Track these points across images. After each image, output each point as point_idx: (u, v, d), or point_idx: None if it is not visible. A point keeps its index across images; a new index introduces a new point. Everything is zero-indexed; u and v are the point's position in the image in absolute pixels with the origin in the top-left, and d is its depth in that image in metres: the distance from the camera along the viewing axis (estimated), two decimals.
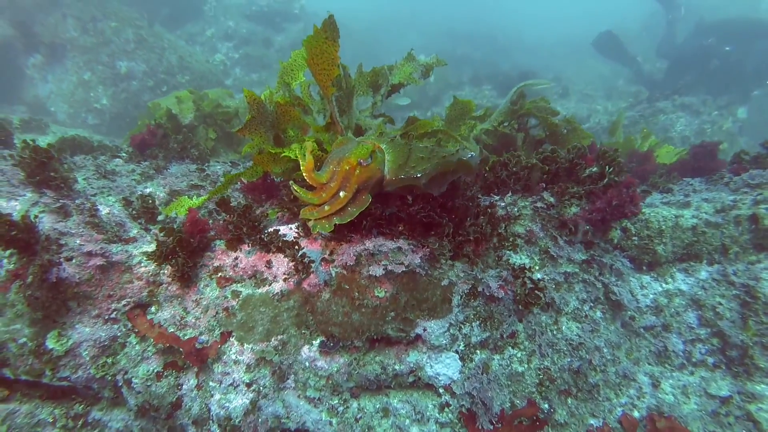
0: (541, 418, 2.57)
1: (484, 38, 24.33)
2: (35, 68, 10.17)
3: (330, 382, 2.57)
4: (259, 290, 2.70)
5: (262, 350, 2.57)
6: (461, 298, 2.53)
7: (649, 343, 3.08)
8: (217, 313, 2.68)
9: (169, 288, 2.78)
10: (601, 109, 12.02)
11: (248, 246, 2.80)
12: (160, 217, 3.44)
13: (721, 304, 3.11)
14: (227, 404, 2.53)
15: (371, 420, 2.54)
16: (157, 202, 3.54)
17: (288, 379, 2.59)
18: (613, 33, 12.46)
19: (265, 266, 2.72)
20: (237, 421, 2.50)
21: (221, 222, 2.92)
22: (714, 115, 9.50)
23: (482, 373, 2.56)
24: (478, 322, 2.57)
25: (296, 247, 2.65)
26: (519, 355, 2.67)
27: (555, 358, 2.71)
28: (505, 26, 27.64)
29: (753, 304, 3.03)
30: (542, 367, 2.68)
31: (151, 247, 2.92)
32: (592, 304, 2.90)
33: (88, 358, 2.64)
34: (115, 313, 2.70)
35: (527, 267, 2.73)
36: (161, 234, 2.77)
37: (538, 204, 2.96)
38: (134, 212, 3.16)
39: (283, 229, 2.83)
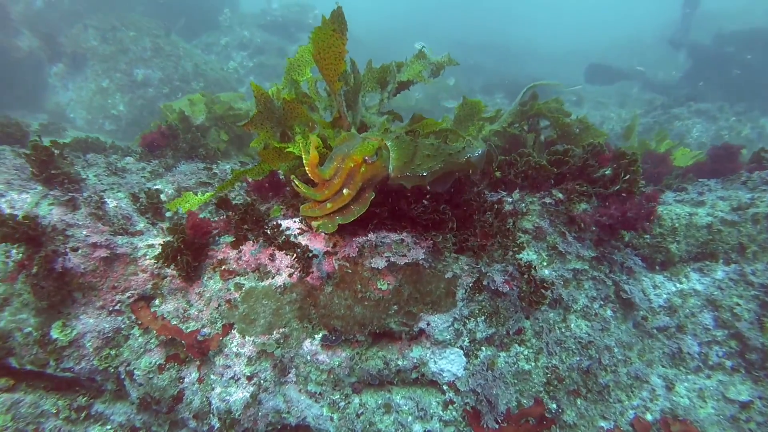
0: (549, 418, 2.49)
1: (497, 48, 24.40)
2: (57, 77, 10.48)
3: (331, 376, 2.52)
4: (262, 283, 2.69)
5: (263, 343, 2.54)
6: (466, 291, 2.47)
7: (663, 345, 2.97)
8: (219, 305, 2.67)
9: (174, 281, 2.79)
10: (615, 116, 11.87)
11: (252, 240, 2.80)
12: (168, 213, 3.47)
13: (739, 304, 2.99)
14: (228, 397, 2.51)
15: (373, 416, 2.49)
16: (165, 199, 3.57)
17: (289, 373, 2.56)
18: (596, 63, 12.57)
19: (269, 259, 2.71)
20: (237, 414, 2.47)
21: (225, 218, 2.92)
22: (732, 121, 9.30)
23: (487, 370, 2.50)
24: (483, 318, 2.51)
25: (299, 239, 2.64)
26: (526, 352, 2.59)
27: (563, 357, 2.63)
28: (518, 36, 27.69)
29: None
30: (550, 365, 2.60)
31: (157, 240, 2.94)
32: (602, 303, 2.82)
33: (91, 350, 2.64)
34: (119, 304, 2.71)
35: (534, 264, 2.67)
36: (168, 232, 2.79)
37: (547, 200, 2.90)
38: (142, 207, 3.19)
39: (287, 223, 2.82)
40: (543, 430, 2.44)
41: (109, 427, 2.85)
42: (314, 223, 2.37)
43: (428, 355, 2.51)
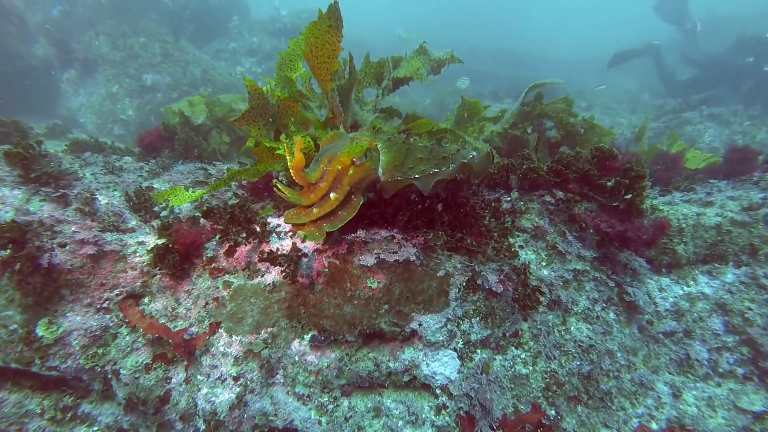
0: (546, 425, 2.37)
1: (508, 54, 24.32)
2: (69, 82, 10.65)
3: (320, 378, 2.44)
4: (251, 281, 2.62)
5: (250, 342, 2.47)
6: (459, 291, 2.38)
7: (669, 350, 2.84)
8: (207, 303, 2.61)
9: (163, 279, 2.74)
10: (625, 122, 11.68)
11: (242, 240, 2.74)
12: (164, 213, 3.43)
13: (750, 309, 2.85)
14: (213, 398, 2.43)
15: (362, 420, 2.39)
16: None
17: (277, 374, 2.48)
18: (619, 52, 12.50)
19: (258, 257, 2.65)
20: (222, 416, 2.39)
21: (212, 224, 2.87)
22: (746, 125, 9.08)
23: (482, 374, 2.39)
24: (478, 319, 2.41)
25: (288, 239, 2.57)
26: (523, 356, 2.48)
27: (563, 361, 2.51)
28: (530, 42, 27.62)
29: None
30: (549, 370, 2.49)
31: (149, 238, 2.90)
32: (604, 305, 2.70)
33: (77, 348, 2.59)
34: (107, 302, 2.66)
35: (531, 264, 2.57)
36: (158, 231, 2.74)
37: (547, 198, 2.80)
38: (135, 204, 3.15)
39: (277, 221, 2.76)
40: None
41: (96, 428, 2.79)
42: (300, 232, 2.21)
43: (420, 357, 2.41)
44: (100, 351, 2.63)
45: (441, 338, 2.38)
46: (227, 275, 2.68)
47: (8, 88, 9.47)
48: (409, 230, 2.43)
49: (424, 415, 2.40)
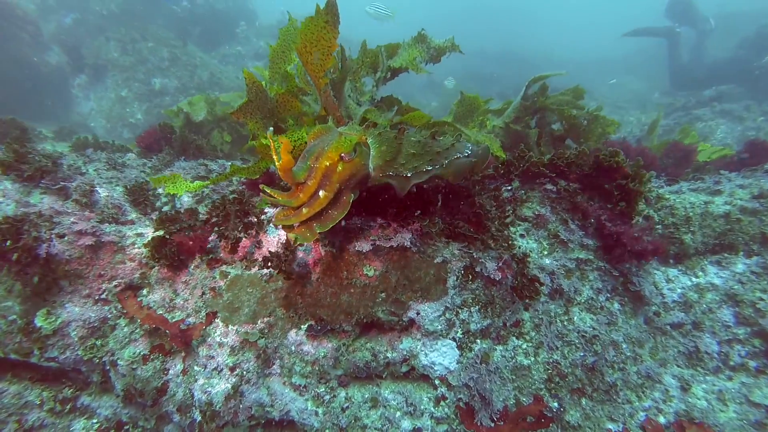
0: (549, 417, 2.30)
1: (514, 56, 24.21)
2: (80, 87, 10.83)
3: (316, 368, 2.40)
4: (249, 271, 2.60)
5: (246, 332, 2.44)
6: (457, 278, 2.33)
7: (678, 343, 2.75)
8: (204, 293, 2.59)
9: (161, 270, 2.73)
10: (634, 120, 11.53)
11: (240, 231, 2.72)
12: (166, 208, 3.44)
13: (762, 299, 2.75)
14: (210, 389, 2.41)
15: (359, 411, 2.35)
16: (161, 192, 3.55)
17: (273, 364, 2.45)
18: (639, 29, 12.24)
19: (256, 247, 2.63)
20: (218, 406, 2.37)
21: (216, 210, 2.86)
22: (760, 120, 8.90)
23: (482, 364, 2.33)
24: (477, 308, 2.36)
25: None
26: (525, 346, 2.42)
27: (566, 352, 2.44)
28: (538, 44, 27.46)
29: None
30: (551, 361, 2.42)
31: (148, 230, 2.90)
32: (608, 295, 2.63)
33: (76, 339, 2.59)
34: (105, 293, 2.66)
35: (532, 253, 2.51)
36: (156, 224, 2.73)
37: (548, 186, 2.75)
38: (135, 198, 3.16)
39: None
40: (541, 429, 2.25)
41: (95, 420, 2.78)
42: (291, 235, 2.09)
43: (419, 346, 2.36)
44: (98, 342, 2.62)
45: (439, 327, 2.33)
46: (224, 266, 2.66)
47: (23, 95, 9.66)
48: (403, 219, 2.39)
49: (422, 407, 2.35)
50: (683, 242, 2.87)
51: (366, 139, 2.17)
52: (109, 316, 2.65)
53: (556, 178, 2.77)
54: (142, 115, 9.95)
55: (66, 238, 2.61)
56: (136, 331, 2.63)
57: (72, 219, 2.68)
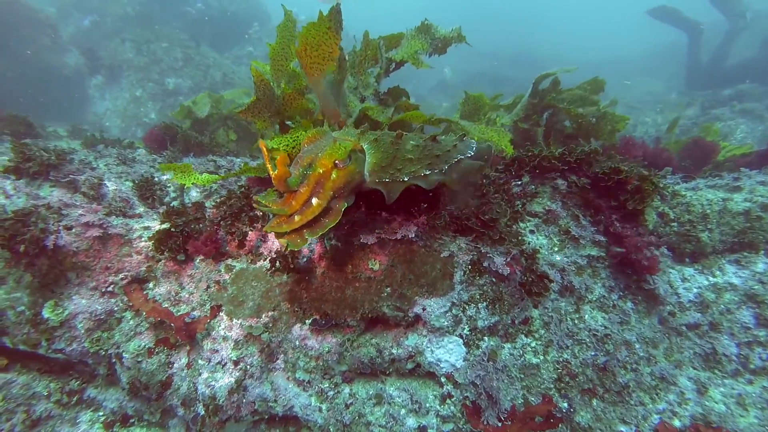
0: (558, 417, 2.23)
1: (527, 58, 24.00)
2: (96, 88, 11.01)
3: (320, 363, 2.37)
4: (253, 265, 2.59)
5: (250, 326, 2.42)
6: (464, 274, 2.28)
7: (693, 344, 2.66)
8: (208, 286, 2.58)
9: (167, 263, 2.73)
10: (650, 121, 11.31)
11: (245, 225, 2.71)
12: (175, 203, 3.45)
13: None
14: (213, 383, 2.39)
15: (363, 407, 2.31)
16: (172, 188, 3.55)
17: (277, 358, 2.42)
18: (663, 6, 11.83)
19: (261, 240, 2.61)
20: (221, 400, 2.35)
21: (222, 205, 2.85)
22: None
23: (489, 362, 2.28)
24: (485, 304, 2.30)
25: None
26: (534, 344, 2.36)
27: (576, 351, 2.37)
28: (549, 47, 27.20)
29: None
30: (561, 360, 2.35)
31: (155, 223, 2.90)
32: (621, 293, 2.55)
33: (83, 331, 2.60)
34: (112, 286, 2.66)
35: (542, 249, 2.45)
36: (163, 218, 2.73)
37: (559, 181, 2.68)
38: (143, 192, 3.17)
39: None
40: (550, 430, 2.18)
41: (101, 413, 2.79)
42: (282, 240, 2.02)
43: (425, 343, 2.32)
44: (104, 335, 2.63)
45: (446, 324, 2.28)
46: (230, 259, 2.65)
47: (42, 97, 9.87)
48: (408, 213, 2.34)
49: (428, 404, 2.30)
50: (700, 240, 2.77)
51: (361, 144, 2.09)
52: (116, 308, 2.66)
53: (567, 172, 2.70)
54: (155, 115, 10.07)
55: (73, 230, 2.62)
56: (142, 324, 2.63)
57: (80, 211, 2.69)
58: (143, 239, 2.77)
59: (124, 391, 2.70)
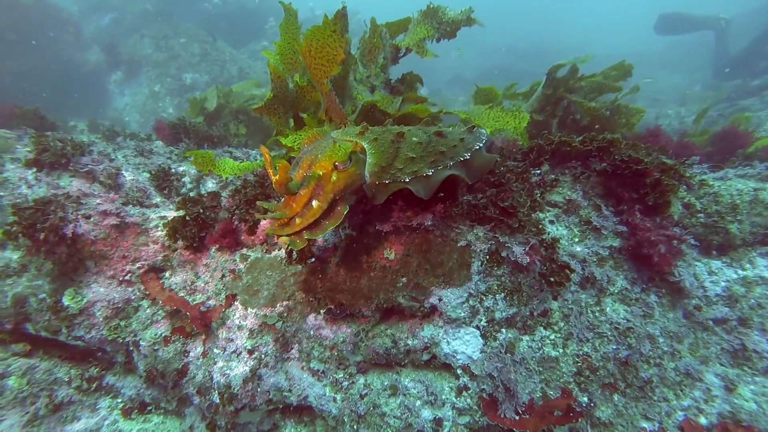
0: (578, 411, 2.17)
1: (546, 52, 23.59)
2: (116, 84, 11.21)
3: (335, 353, 2.35)
4: (269, 255, 2.58)
5: (265, 315, 2.42)
6: (482, 264, 2.22)
7: (721, 339, 2.56)
8: (223, 276, 2.58)
9: (183, 253, 2.74)
10: (673, 113, 10.96)
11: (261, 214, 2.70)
12: (192, 193, 3.47)
13: None
14: (228, 372, 2.40)
15: (378, 398, 2.28)
16: (188, 179, 3.58)
17: (292, 348, 2.41)
18: (668, 13, 11.31)
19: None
20: (236, 389, 2.35)
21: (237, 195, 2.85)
22: None
23: (506, 354, 2.22)
24: (503, 295, 2.25)
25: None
26: (553, 337, 2.30)
27: (597, 344, 2.30)
28: (568, 41, 26.66)
29: None
30: (581, 353, 2.29)
31: (171, 213, 2.92)
32: (644, 286, 2.47)
33: (101, 319, 2.63)
34: (129, 275, 2.69)
35: (562, 239, 2.37)
36: (178, 206, 2.74)
37: (579, 170, 2.60)
38: (160, 183, 3.19)
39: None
40: (569, 423, 2.13)
41: (119, 400, 2.83)
42: (284, 239, 1.96)
43: (441, 334, 2.28)
44: (122, 323, 2.66)
45: (462, 315, 2.24)
46: (245, 248, 2.65)
47: (65, 92, 10.08)
48: (424, 203, 2.29)
49: (443, 396, 2.26)
50: (728, 232, 2.66)
51: (362, 145, 2.01)
52: (133, 297, 2.68)
53: (587, 161, 2.61)
54: (173, 110, 10.20)
55: (92, 219, 2.65)
56: (158, 312, 2.65)
57: (97, 200, 2.72)
58: (159, 229, 2.79)
59: (141, 378, 2.73)
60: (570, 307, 2.32)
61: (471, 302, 2.23)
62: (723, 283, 2.63)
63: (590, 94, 3.94)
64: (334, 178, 1.93)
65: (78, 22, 11.43)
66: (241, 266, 2.57)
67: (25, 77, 9.53)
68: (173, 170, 3.45)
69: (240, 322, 2.45)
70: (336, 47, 2.37)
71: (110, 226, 2.65)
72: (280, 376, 2.38)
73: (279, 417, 2.52)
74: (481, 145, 2.16)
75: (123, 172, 3.01)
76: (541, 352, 2.27)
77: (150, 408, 2.81)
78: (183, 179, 3.45)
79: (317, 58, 2.41)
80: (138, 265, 2.69)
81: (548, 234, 2.35)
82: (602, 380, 2.28)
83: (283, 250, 2.56)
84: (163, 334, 2.60)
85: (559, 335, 2.30)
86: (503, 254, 2.21)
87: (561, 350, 2.29)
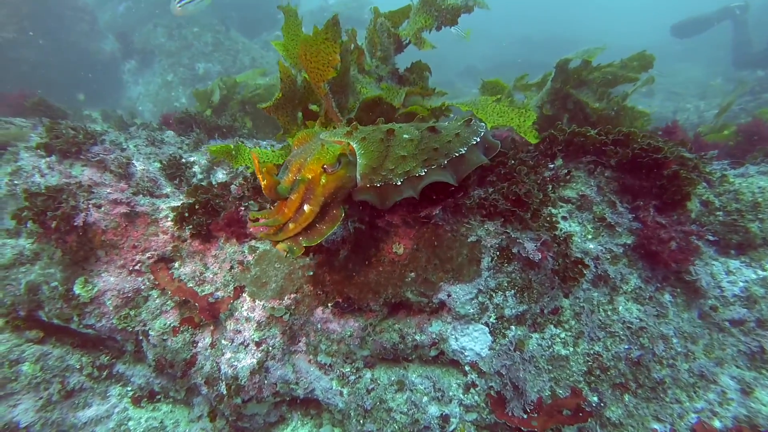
0: (587, 411, 2.14)
1: (562, 43, 23.13)
2: (129, 73, 11.26)
3: (342, 347, 2.34)
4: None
5: (273, 308, 2.41)
6: (492, 260, 2.19)
7: (738, 341, 2.49)
8: (232, 267, 2.58)
9: (193, 243, 2.74)
10: (692, 107, 10.69)
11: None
12: (206, 180, 3.47)
13: None
14: (236, 363, 2.40)
15: (384, 393, 2.27)
16: (198, 168, 3.57)
17: (299, 341, 2.41)
18: (678, 23, 11.00)
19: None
20: (243, 381, 2.36)
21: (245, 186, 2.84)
22: None
23: (515, 352, 2.19)
24: (513, 292, 2.21)
25: None
26: (563, 335, 2.26)
27: (608, 344, 2.26)
28: (584, 32, 26.10)
29: None
30: (592, 352, 2.25)
31: (181, 203, 2.92)
32: (659, 285, 2.41)
33: (111, 308, 2.65)
34: (139, 264, 2.70)
35: (575, 236, 2.32)
36: (187, 195, 2.74)
37: (594, 164, 2.53)
38: (171, 173, 3.19)
39: None
40: (578, 422, 2.09)
41: (129, 388, 2.87)
42: (281, 245, 1.92)
43: (449, 330, 2.25)
44: (132, 312, 2.68)
45: (471, 311, 2.21)
46: (253, 240, 2.64)
47: (80, 82, 10.17)
48: (434, 197, 2.26)
49: (451, 393, 2.24)
50: (749, 231, 2.58)
51: (352, 146, 1.96)
52: (142, 287, 2.70)
53: (602, 155, 2.55)
54: (186, 99, 10.23)
55: (102, 208, 2.66)
56: (168, 302, 2.66)
57: (108, 190, 2.73)
58: (169, 219, 2.79)
59: (150, 367, 2.76)
60: (581, 305, 2.28)
61: (480, 298, 2.20)
62: (741, 284, 2.56)
63: (601, 88, 3.83)
64: (323, 181, 1.89)
65: (93, 11, 11.48)
66: (250, 258, 2.56)
67: (42, 66, 9.63)
68: (184, 160, 3.45)
69: (248, 313, 2.45)
70: (330, 52, 2.37)
71: (120, 215, 2.66)
72: (287, 369, 2.38)
73: (285, 409, 2.53)
74: (478, 139, 2.10)
75: (134, 161, 3.01)
76: (550, 350, 2.24)
77: (159, 397, 2.84)
78: (193, 168, 3.45)
79: (313, 62, 2.41)
80: (148, 255, 2.71)
81: (561, 230, 2.30)
82: (613, 380, 2.24)
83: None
84: (172, 325, 2.61)
85: (569, 333, 2.26)
86: (514, 250, 2.17)
87: (571, 349, 2.25)
